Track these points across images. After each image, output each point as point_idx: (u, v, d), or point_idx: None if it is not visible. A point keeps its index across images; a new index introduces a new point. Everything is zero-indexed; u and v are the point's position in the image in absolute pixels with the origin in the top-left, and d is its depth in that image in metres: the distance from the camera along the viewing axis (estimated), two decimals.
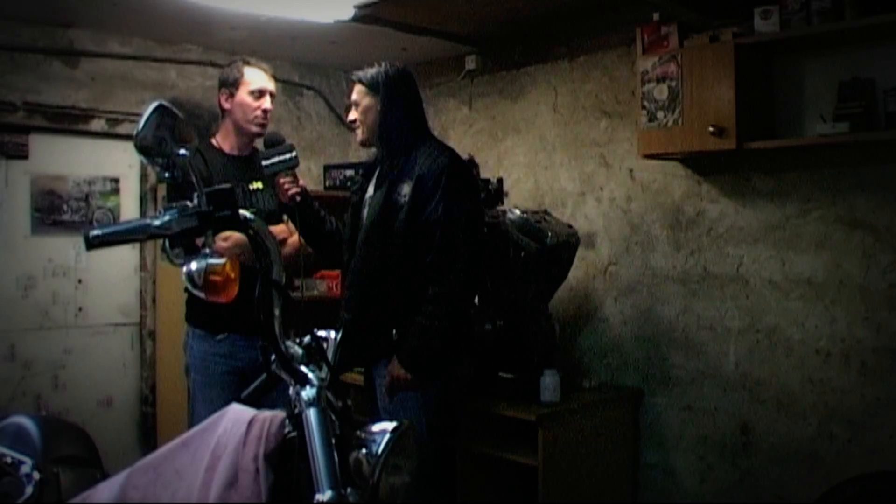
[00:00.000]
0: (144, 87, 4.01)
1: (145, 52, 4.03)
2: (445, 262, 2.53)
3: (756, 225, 3.16)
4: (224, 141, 2.87)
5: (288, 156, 2.58)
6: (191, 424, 2.64)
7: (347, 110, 2.82)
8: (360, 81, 2.70)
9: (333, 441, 1.28)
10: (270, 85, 2.86)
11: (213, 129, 3.05)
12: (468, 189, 2.67)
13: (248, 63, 2.85)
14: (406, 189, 2.57)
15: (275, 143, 2.62)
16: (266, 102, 2.83)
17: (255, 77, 2.82)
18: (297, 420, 1.31)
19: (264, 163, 2.58)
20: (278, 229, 2.76)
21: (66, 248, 3.87)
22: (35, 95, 3.71)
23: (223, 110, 2.86)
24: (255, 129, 2.83)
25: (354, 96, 2.72)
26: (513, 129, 4.05)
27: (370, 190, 2.72)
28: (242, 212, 1.38)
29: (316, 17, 3.39)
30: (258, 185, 2.83)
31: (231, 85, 2.81)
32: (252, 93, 2.80)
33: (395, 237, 2.57)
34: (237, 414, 1.35)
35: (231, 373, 2.71)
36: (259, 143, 2.88)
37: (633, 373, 3.53)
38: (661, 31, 3.10)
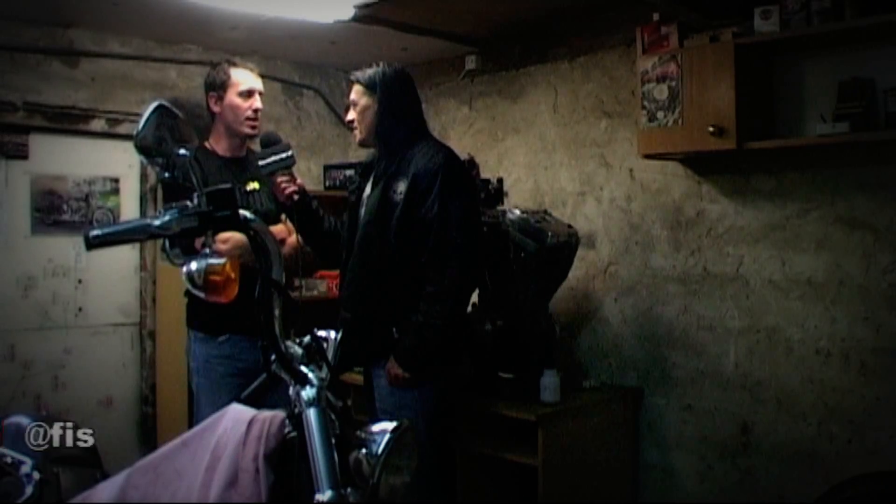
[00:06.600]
0: (144, 87, 4.01)
1: (145, 52, 4.03)
2: (441, 260, 2.53)
3: (756, 225, 3.16)
4: (217, 144, 2.85)
5: (284, 155, 2.58)
6: (192, 427, 2.65)
7: (347, 110, 2.82)
8: (359, 82, 2.70)
9: (333, 441, 1.28)
10: (258, 84, 2.85)
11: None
12: (464, 188, 2.67)
13: (234, 64, 2.83)
14: (402, 187, 2.57)
15: (271, 143, 2.62)
16: (256, 102, 2.82)
17: (243, 78, 2.81)
18: (297, 420, 1.31)
19: (261, 162, 2.58)
20: (276, 229, 2.75)
21: (66, 248, 3.87)
22: (35, 95, 3.71)
23: (213, 114, 2.84)
24: (247, 129, 2.82)
25: (353, 96, 2.73)
26: (513, 129, 4.05)
27: (367, 189, 2.73)
28: (242, 212, 1.38)
29: (316, 17, 3.39)
30: (254, 185, 2.82)
31: (219, 88, 2.80)
32: (241, 94, 2.79)
33: (390, 235, 2.57)
34: (237, 414, 1.35)
35: (234, 374, 2.69)
36: (253, 144, 2.87)
37: (633, 373, 3.53)
38: (661, 31, 3.10)
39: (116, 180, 4.05)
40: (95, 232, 1.31)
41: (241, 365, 2.68)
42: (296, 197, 2.63)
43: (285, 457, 1.30)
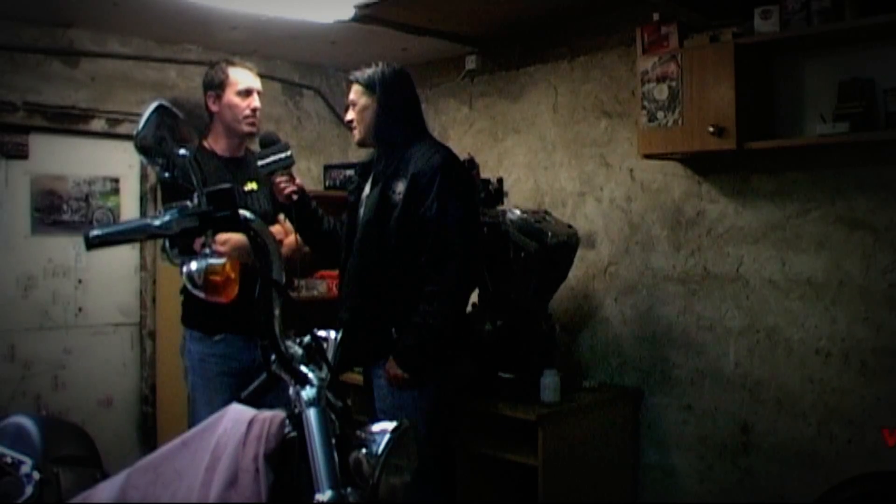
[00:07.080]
0: (144, 87, 4.01)
1: (145, 52, 4.03)
2: (440, 260, 2.53)
3: (756, 225, 3.16)
4: (216, 143, 2.86)
5: (283, 155, 2.58)
6: (191, 426, 2.65)
7: (346, 110, 2.83)
8: (358, 81, 2.71)
9: (333, 441, 1.28)
10: (257, 83, 2.85)
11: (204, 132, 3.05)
12: (463, 187, 2.67)
13: (232, 64, 2.84)
14: (401, 187, 2.57)
15: (270, 143, 2.62)
16: (254, 101, 2.82)
17: (241, 77, 2.81)
18: (297, 420, 1.31)
19: (260, 162, 2.58)
20: (274, 230, 2.75)
21: (66, 248, 3.87)
22: (35, 95, 3.71)
23: (211, 113, 2.85)
24: (246, 128, 2.82)
25: (352, 96, 2.73)
26: (513, 129, 4.05)
27: (366, 189, 2.73)
28: (242, 212, 1.38)
29: (316, 17, 3.39)
30: (252, 185, 2.82)
31: (217, 87, 2.81)
32: (239, 93, 2.80)
33: (390, 235, 2.57)
34: (237, 414, 1.35)
35: (229, 373, 2.70)
36: (252, 144, 2.87)
37: (633, 373, 3.53)
38: (661, 31, 3.10)
39: (116, 180, 4.05)
40: (95, 232, 1.30)
41: (236, 364, 2.69)
42: (295, 197, 2.63)
43: (285, 457, 1.30)
